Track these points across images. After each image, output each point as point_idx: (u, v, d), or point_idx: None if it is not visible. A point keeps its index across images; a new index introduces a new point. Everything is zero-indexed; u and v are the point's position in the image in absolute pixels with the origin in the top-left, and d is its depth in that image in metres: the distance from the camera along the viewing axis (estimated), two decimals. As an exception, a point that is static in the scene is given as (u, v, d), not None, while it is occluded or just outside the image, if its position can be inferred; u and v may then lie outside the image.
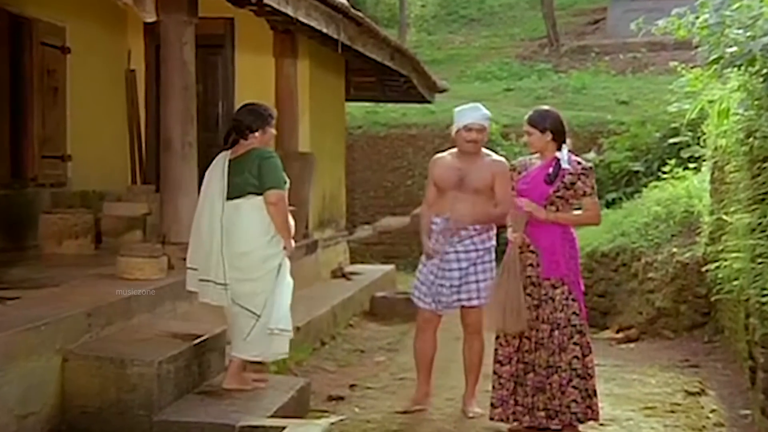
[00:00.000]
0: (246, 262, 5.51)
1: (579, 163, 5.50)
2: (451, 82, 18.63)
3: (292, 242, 5.60)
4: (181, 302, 6.54)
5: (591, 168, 5.53)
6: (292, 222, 5.58)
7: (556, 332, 5.33)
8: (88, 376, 5.05)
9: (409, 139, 18.26)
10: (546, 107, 5.69)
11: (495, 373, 5.50)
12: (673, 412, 6.16)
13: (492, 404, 5.52)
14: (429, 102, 14.93)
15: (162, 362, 5.17)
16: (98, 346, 5.28)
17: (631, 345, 8.67)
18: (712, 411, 6.15)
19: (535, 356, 5.37)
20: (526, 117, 5.53)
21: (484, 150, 6.14)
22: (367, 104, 18.27)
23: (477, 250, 5.98)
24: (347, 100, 13.46)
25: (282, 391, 5.76)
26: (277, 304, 5.50)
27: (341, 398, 6.47)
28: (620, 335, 8.95)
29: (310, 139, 10.39)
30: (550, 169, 5.41)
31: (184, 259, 6.95)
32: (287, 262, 5.59)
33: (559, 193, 5.41)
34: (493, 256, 6.07)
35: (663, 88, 16.31)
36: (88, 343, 5.29)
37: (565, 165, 5.40)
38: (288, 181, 5.55)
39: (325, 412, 6.11)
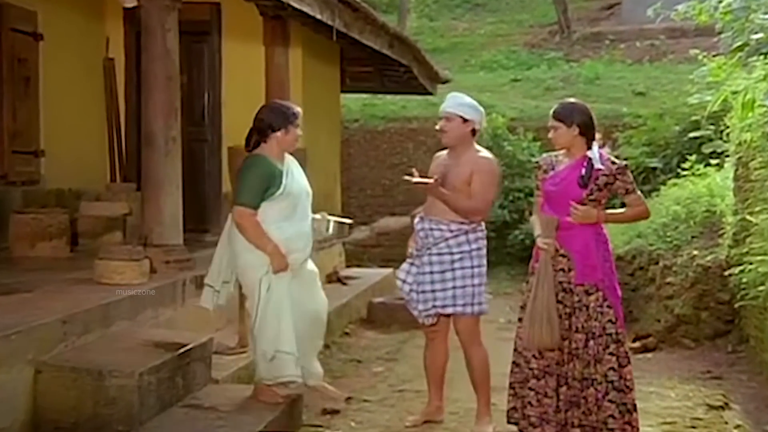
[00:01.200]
0: (238, 264, 5.54)
1: (613, 162, 5.44)
2: (454, 72, 18.66)
3: (281, 258, 5.45)
4: (164, 309, 6.54)
5: (626, 166, 5.48)
6: (276, 238, 5.45)
7: (591, 342, 5.27)
8: (62, 388, 5.04)
9: (409, 134, 18.26)
10: (572, 99, 5.60)
11: (531, 389, 5.40)
12: (694, 427, 6.16)
13: (532, 424, 5.39)
14: (431, 94, 14.92)
15: (143, 373, 5.16)
16: (74, 356, 5.26)
17: (649, 355, 8.66)
18: (737, 427, 6.14)
19: (568, 368, 5.30)
20: (552, 110, 5.42)
21: (476, 146, 6.11)
22: (364, 96, 18.28)
23: (452, 254, 5.95)
24: (343, 91, 13.45)
25: (272, 403, 5.74)
26: (267, 323, 5.47)
27: (336, 412, 6.46)
28: (637, 344, 8.93)
29: (303, 133, 10.31)
30: (582, 170, 5.34)
31: (167, 262, 6.99)
32: (278, 279, 5.50)
33: (592, 196, 5.35)
34: (480, 260, 6.02)
35: (683, 78, 16.35)
36: (63, 353, 5.27)
37: (598, 165, 5.34)
38: (265, 193, 5.43)
39: (319, 426, 6.11)
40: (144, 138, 7.18)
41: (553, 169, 5.48)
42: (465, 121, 5.97)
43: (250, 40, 9.94)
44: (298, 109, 5.61)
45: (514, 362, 5.55)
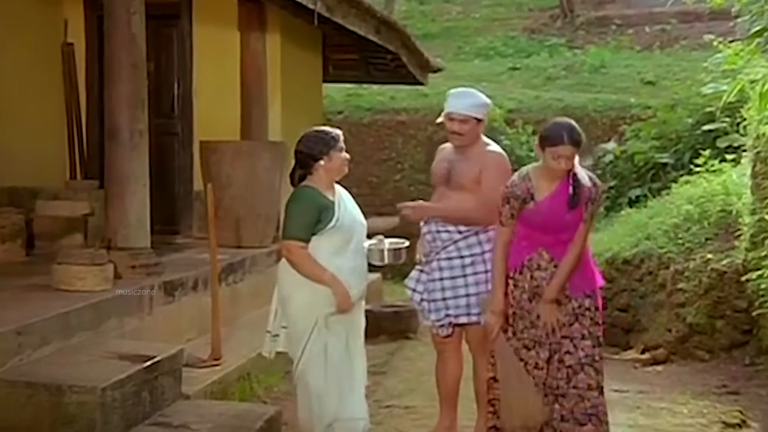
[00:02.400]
0: (287, 308, 5.51)
1: (591, 179, 5.50)
2: (447, 60, 18.63)
3: (343, 290, 5.38)
4: (129, 318, 6.51)
5: (601, 188, 5.57)
6: (330, 273, 5.38)
7: (597, 349, 5.46)
8: (17, 405, 5.01)
9: (398, 127, 18.26)
10: (561, 119, 5.56)
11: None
12: (708, 446, 6.17)
13: None
14: (421, 83, 14.90)
15: (106, 389, 5.13)
16: (30, 370, 5.24)
17: (659, 368, 8.67)
18: (755, 445, 6.16)
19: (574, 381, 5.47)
20: (568, 137, 5.32)
21: (484, 139, 6.10)
22: (348, 86, 18.28)
23: (462, 257, 5.93)
24: (325, 81, 13.42)
25: (248, 420, 5.73)
26: (328, 392, 5.43)
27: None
28: (646, 356, 8.95)
29: (282, 126, 10.37)
30: (570, 189, 5.37)
31: (133, 267, 6.97)
32: (336, 336, 5.44)
33: (585, 216, 5.43)
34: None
35: (696, 66, 16.39)
36: (17, 366, 5.24)
37: (586, 182, 5.40)
38: (316, 226, 5.44)
39: (300, 447, 6.09)
40: (107, 131, 7.15)
41: (532, 198, 5.45)
42: (479, 121, 5.98)
43: (223, 24, 9.91)
44: (338, 132, 5.59)
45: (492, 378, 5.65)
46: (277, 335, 5.63)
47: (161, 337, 6.69)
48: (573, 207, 5.35)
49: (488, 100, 6.08)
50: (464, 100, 5.99)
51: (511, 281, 5.55)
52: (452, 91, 6.14)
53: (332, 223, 5.37)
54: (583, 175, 5.42)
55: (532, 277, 5.47)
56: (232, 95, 9.70)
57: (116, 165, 7.07)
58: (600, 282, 5.57)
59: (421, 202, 5.99)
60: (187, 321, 7.35)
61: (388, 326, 9.65)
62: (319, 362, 5.42)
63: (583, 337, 5.43)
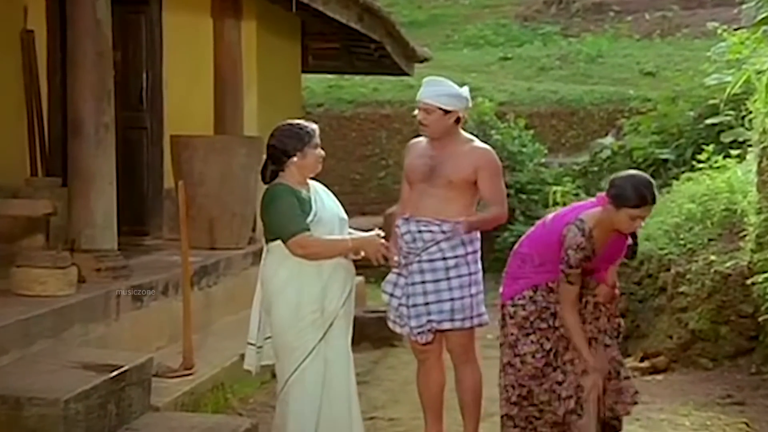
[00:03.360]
0: (272, 315, 5.47)
1: None
2: (434, 50, 18.64)
3: (370, 242, 5.44)
4: (94, 325, 6.50)
5: None
6: (346, 238, 5.44)
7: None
8: (-26, 419, 4.99)
9: (382, 120, 18.29)
10: (634, 176, 5.61)
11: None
12: (712, 460, 6.18)
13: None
14: (407, 74, 14.92)
15: (69, 401, 5.11)
16: (-12, 380, 5.22)
17: (659, 377, 8.68)
18: (761, 459, 6.17)
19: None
20: (651, 198, 5.44)
21: (465, 135, 6.10)
22: (329, 77, 18.29)
23: (445, 259, 5.93)
24: (304, 71, 13.43)
25: (222, 436, 5.73)
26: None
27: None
28: (645, 364, 8.95)
29: (258, 119, 10.36)
30: (630, 240, 5.68)
31: (99, 270, 6.95)
32: (315, 353, 5.42)
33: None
34: (477, 265, 6.03)
35: (699, 56, 16.44)
36: (-25, 377, 5.23)
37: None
38: (307, 214, 5.43)
39: (277, 462, 6.08)
40: (71, 125, 7.13)
41: (594, 253, 5.57)
42: (446, 112, 5.95)
43: (196, 10, 9.90)
44: (314, 126, 5.57)
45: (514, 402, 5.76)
46: (261, 347, 5.59)
47: (129, 345, 6.68)
48: (632, 258, 5.73)
49: (462, 92, 6.01)
50: (427, 89, 6.00)
51: (523, 299, 5.72)
52: (425, 78, 6.16)
53: (310, 218, 5.36)
54: None
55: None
56: (205, 87, 9.68)
57: (80, 161, 7.06)
58: None
59: (465, 218, 5.93)
60: (156, 328, 7.35)
61: (371, 333, 9.63)
62: (312, 387, 5.39)
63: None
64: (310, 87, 18.34)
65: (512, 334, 5.72)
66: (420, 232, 5.95)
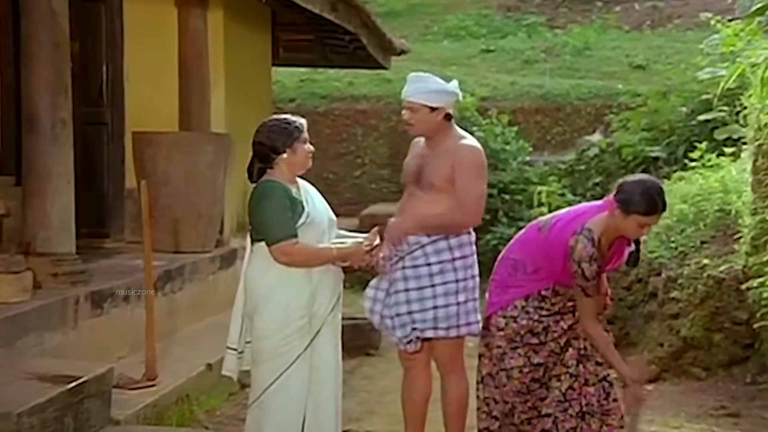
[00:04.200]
0: (258, 318, 5.45)
1: None
2: (412, 41, 18.66)
3: (354, 251, 5.46)
4: (50, 333, 6.47)
5: None
6: (332, 246, 5.44)
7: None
8: None
9: (358, 116, 18.27)
10: (645, 181, 5.61)
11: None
12: (705, 475, 6.19)
13: None
14: (383, 68, 14.91)
15: (23, 414, 5.08)
16: (-63, 393, 5.20)
17: (649, 387, 8.67)
18: (757, 474, 6.18)
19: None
20: (663, 205, 5.50)
21: (459, 132, 6.09)
22: (301, 70, 18.27)
23: (429, 265, 5.90)
24: (275, 64, 13.41)
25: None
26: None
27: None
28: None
29: (226, 115, 10.35)
30: (632, 246, 5.64)
31: (55, 276, 6.92)
32: (301, 361, 5.43)
33: None
34: (466, 272, 6.01)
35: (691, 48, 16.47)
36: None
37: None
38: (299, 215, 5.42)
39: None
40: (25, 120, 7.09)
41: (603, 258, 5.59)
42: (432, 109, 5.94)
43: (159, -1, 9.88)
44: (302, 121, 5.56)
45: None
46: (242, 352, 5.59)
47: (88, 355, 6.65)
48: (634, 265, 5.73)
49: (450, 88, 5.99)
50: (412, 86, 5.99)
51: (515, 310, 5.71)
52: (410, 75, 6.14)
53: (303, 219, 5.36)
54: None
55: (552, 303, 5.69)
56: (169, 80, 9.65)
57: (35, 159, 7.02)
58: None
59: (392, 220, 5.94)
60: (117, 336, 7.32)
61: (346, 341, 9.55)
62: (297, 395, 5.39)
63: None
64: (281, 81, 18.31)
65: (499, 346, 5.70)
66: (405, 234, 5.95)
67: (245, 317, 5.52)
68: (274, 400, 5.36)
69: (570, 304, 5.66)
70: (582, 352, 5.67)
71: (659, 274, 9.39)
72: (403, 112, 5.99)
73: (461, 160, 5.88)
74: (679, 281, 9.00)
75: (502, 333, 5.69)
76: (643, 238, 5.63)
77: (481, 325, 5.98)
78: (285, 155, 5.42)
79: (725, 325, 8.62)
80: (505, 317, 5.69)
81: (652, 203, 5.39)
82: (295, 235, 5.30)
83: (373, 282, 6.05)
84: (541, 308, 5.65)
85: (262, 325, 5.38)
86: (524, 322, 5.64)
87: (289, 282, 5.34)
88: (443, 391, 6.14)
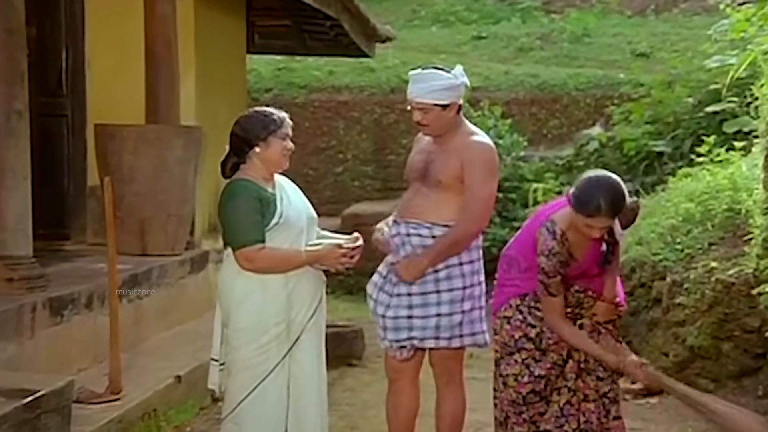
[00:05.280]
0: (230, 326, 5.47)
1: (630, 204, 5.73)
2: (398, 28, 18.67)
3: (328, 253, 5.49)
4: (5, 343, 6.45)
5: (638, 204, 5.85)
6: (302, 251, 5.46)
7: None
8: None
9: (339, 108, 18.29)
10: (599, 177, 5.60)
11: None
12: (713, 495, 6.18)
13: None
14: (367, 56, 14.92)
15: (-25, 431, 5.06)
16: None
17: (653, 400, 8.70)
18: (768, 494, 6.17)
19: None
20: (607, 208, 5.41)
21: (469, 127, 6.12)
22: (278, 58, 18.26)
23: (436, 270, 5.94)
24: (250, 52, 13.39)
25: None
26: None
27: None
28: (637, 386, 8.95)
29: (197, 107, 10.35)
30: (603, 247, 5.62)
31: (10, 280, 6.89)
32: (280, 369, 5.44)
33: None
34: (473, 278, 6.01)
35: (699, 35, 16.49)
36: None
37: (620, 233, 5.59)
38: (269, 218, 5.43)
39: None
40: (-23, 112, 7.06)
41: (572, 257, 5.61)
42: (444, 107, 5.96)
43: (123, -19, 9.85)
44: (283, 115, 5.56)
45: None
46: (224, 363, 5.59)
47: (46, 367, 6.64)
48: (604, 267, 5.65)
49: (459, 79, 6.04)
50: (422, 84, 6.00)
51: (510, 309, 5.76)
52: (412, 72, 6.14)
53: (275, 220, 5.37)
54: (617, 225, 5.54)
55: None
56: (135, 69, 9.60)
57: (-11, 154, 6.99)
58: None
59: (410, 258, 5.95)
60: (78, 346, 7.30)
61: (327, 350, 9.58)
62: (274, 409, 5.38)
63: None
64: (257, 70, 18.31)
65: (496, 351, 5.76)
66: (408, 235, 5.98)
67: (222, 325, 5.52)
68: (249, 414, 5.35)
69: (567, 310, 5.67)
70: (582, 365, 5.68)
71: (664, 279, 9.39)
72: (414, 113, 6.00)
73: (472, 158, 5.92)
74: (685, 286, 9.01)
75: (497, 336, 5.74)
76: (626, 239, 5.65)
77: (487, 335, 6.02)
78: (258, 149, 5.42)
79: (735, 334, 8.62)
80: (500, 318, 5.76)
81: (594, 205, 5.36)
82: (261, 240, 5.31)
83: (380, 267, 6.13)
84: (537, 308, 5.67)
85: (235, 333, 5.38)
86: (517, 323, 5.67)
87: (263, 286, 5.34)
88: (437, 404, 6.16)
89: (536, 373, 5.64)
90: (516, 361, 5.67)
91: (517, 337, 5.66)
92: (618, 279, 5.87)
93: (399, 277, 5.90)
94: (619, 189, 5.49)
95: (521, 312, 5.67)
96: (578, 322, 5.68)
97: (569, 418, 5.65)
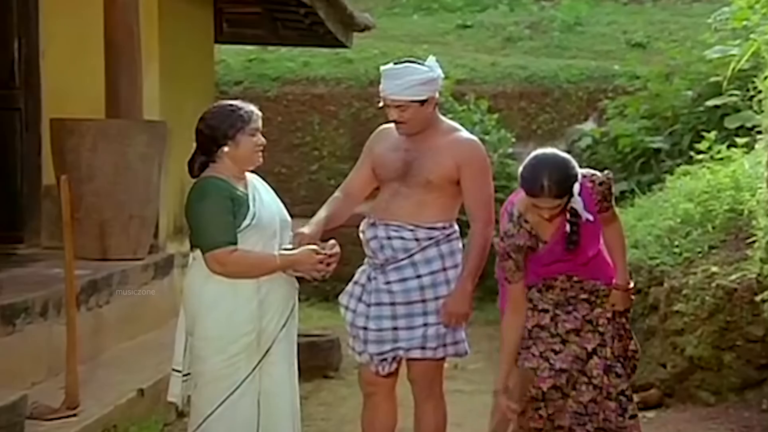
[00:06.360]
0: (196, 335, 5.47)
1: (592, 182, 5.76)
2: (377, 16, 18.63)
3: (304, 257, 5.50)
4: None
5: (610, 178, 5.85)
6: (276, 254, 5.46)
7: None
8: None
9: (315, 102, 18.28)
10: (544, 155, 5.64)
11: None
12: None
13: None
14: (344, 46, 14.92)
15: None
16: None
17: (650, 414, 8.71)
18: None
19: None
20: (549, 189, 5.47)
21: (447, 123, 6.14)
22: (249, 48, 18.25)
23: (419, 276, 5.95)
24: (218, 42, 13.38)
25: None
26: None
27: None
28: (634, 399, 8.97)
29: (161, 100, 10.32)
30: (567, 227, 5.66)
31: (-41, 288, 6.86)
32: (250, 381, 5.44)
33: (607, 214, 5.86)
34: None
35: (699, 23, 16.53)
36: None
37: (585, 215, 5.66)
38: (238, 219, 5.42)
39: None
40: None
41: (538, 240, 5.69)
42: (423, 103, 5.96)
43: (81, -35, 9.83)
44: (251, 108, 5.55)
45: None
46: (188, 374, 5.60)
47: (-4, 381, 6.60)
48: (572, 248, 5.66)
49: (434, 73, 6.04)
50: (398, 80, 6.00)
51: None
52: (384, 68, 6.13)
53: (247, 221, 5.37)
54: (582, 205, 5.62)
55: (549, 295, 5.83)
56: (94, 59, 9.58)
57: (-63, 151, 6.97)
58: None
59: (451, 294, 6.00)
60: (32, 358, 7.27)
61: (301, 361, 9.56)
62: (243, 425, 5.39)
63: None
64: (226, 61, 18.28)
65: None
66: (389, 238, 5.99)
67: (187, 334, 5.51)
68: (217, 431, 5.33)
69: (583, 296, 5.82)
70: (608, 362, 5.78)
71: (661, 284, 9.40)
72: (390, 111, 6.00)
73: (469, 159, 5.98)
74: (684, 292, 9.02)
75: None
76: (585, 215, 5.65)
77: (467, 344, 6.04)
78: (227, 148, 5.41)
79: (737, 343, 8.63)
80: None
81: (538, 185, 5.45)
82: (233, 242, 5.30)
83: (356, 276, 6.16)
84: (548, 292, 5.80)
85: (202, 342, 5.38)
86: (528, 313, 5.77)
87: (233, 293, 5.33)
88: (417, 419, 6.17)
89: (557, 367, 5.70)
90: (534, 355, 5.75)
91: (530, 327, 5.74)
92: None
93: (449, 318, 5.94)
94: (566, 168, 5.56)
95: (531, 300, 5.74)
96: (590, 314, 5.83)
97: (592, 416, 5.72)
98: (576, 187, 5.57)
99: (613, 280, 5.91)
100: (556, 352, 5.72)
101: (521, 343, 5.77)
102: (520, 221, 5.67)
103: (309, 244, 5.60)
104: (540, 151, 5.71)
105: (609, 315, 5.86)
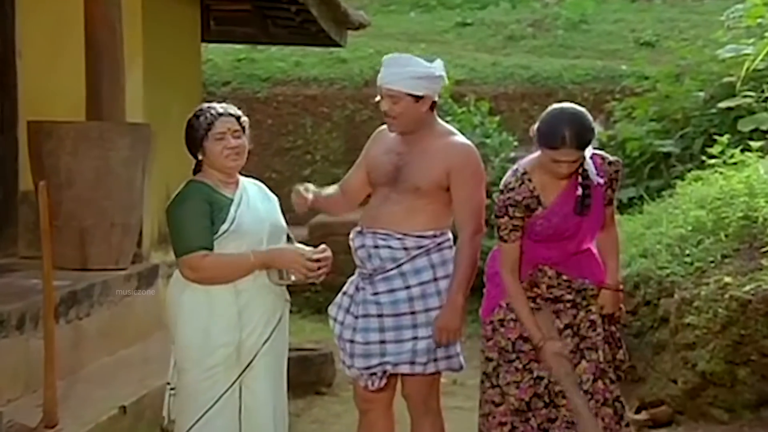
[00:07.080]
0: (175, 347, 5.52)
1: (604, 159, 5.90)
2: (372, 13, 18.69)
3: (288, 256, 5.52)
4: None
5: (620, 162, 5.97)
6: (252, 253, 5.47)
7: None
8: None
9: (306, 103, 18.30)
10: (563, 109, 5.80)
11: None
12: None
13: None
14: (337, 45, 14.93)
15: None
16: None
17: (661, 431, 8.70)
18: None
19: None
20: (571, 140, 5.61)
21: (443, 126, 6.14)
22: (238, 47, 18.28)
23: (408, 287, 5.95)
24: (205, 40, 13.40)
25: None
26: None
27: None
28: (643, 416, 8.97)
29: (145, 102, 10.33)
30: (578, 190, 5.72)
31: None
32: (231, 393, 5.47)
33: (610, 206, 5.95)
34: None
35: (710, 21, 16.55)
36: None
37: (596, 179, 5.76)
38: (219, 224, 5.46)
39: None
40: None
41: (539, 203, 5.72)
42: (417, 99, 5.94)
43: (61, -40, 9.82)
44: (214, 110, 5.57)
45: None
46: (175, 388, 5.63)
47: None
48: (581, 214, 5.71)
49: (434, 70, 6.04)
50: (396, 69, 6.01)
51: (501, 311, 5.90)
52: (386, 57, 6.14)
53: (225, 226, 5.39)
54: (592, 167, 5.72)
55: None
56: (74, 59, 9.59)
57: None
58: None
59: (443, 310, 5.99)
60: (8, 374, 7.24)
61: (292, 377, 9.54)
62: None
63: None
64: (214, 60, 18.30)
65: (490, 359, 5.80)
66: (377, 247, 6.01)
67: (171, 344, 5.54)
68: None
69: (569, 297, 5.84)
70: (600, 366, 5.80)
71: (671, 296, 9.39)
72: (382, 102, 6.00)
73: (461, 165, 5.98)
74: (696, 304, 9.00)
75: (490, 343, 5.81)
76: (596, 179, 5.74)
77: (462, 358, 6.04)
78: (200, 156, 5.51)
79: (752, 358, 8.62)
80: (492, 323, 5.82)
81: (559, 136, 5.56)
82: (208, 247, 5.30)
83: (345, 287, 6.20)
84: (536, 290, 5.82)
85: (181, 354, 5.39)
86: (511, 324, 5.81)
87: (209, 302, 5.34)
88: None
89: (535, 375, 5.72)
90: (517, 369, 5.80)
91: (513, 338, 5.77)
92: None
93: (441, 333, 5.94)
94: (585, 119, 5.72)
95: (513, 310, 5.76)
96: (576, 316, 5.86)
97: None
98: (589, 150, 5.71)
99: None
100: (537, 362, 5.76)
101: (504, 356, 5.81)
102: (524, 177, 5.74)
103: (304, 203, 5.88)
104: (556, 105, 5.84)
105: (594, 318, 5.87)
